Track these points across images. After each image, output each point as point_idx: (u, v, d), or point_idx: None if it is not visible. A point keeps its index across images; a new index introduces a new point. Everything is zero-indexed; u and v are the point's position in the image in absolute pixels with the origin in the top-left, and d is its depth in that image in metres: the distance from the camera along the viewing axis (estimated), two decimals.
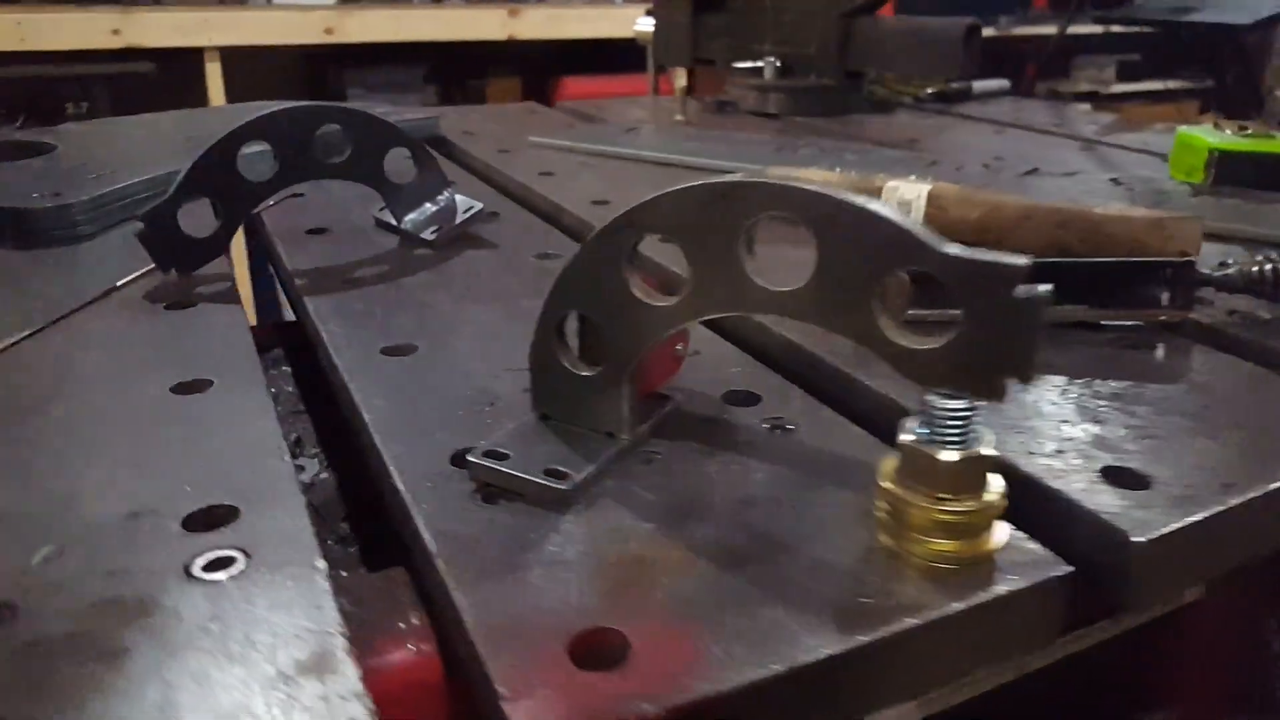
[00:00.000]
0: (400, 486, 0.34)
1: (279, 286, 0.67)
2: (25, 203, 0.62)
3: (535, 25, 2.82)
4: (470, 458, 0.35)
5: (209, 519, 0.32)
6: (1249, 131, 0.75)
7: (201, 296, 0.53)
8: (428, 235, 0.62)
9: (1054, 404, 0.40)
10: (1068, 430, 0.38)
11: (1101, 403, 0.41)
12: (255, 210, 0.66)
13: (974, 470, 0.30)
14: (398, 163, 0.62)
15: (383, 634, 0.30)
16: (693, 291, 0.33)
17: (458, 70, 2.95)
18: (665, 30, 1.23)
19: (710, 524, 0.32)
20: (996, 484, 0.30)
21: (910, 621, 0.28)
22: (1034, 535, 0.32)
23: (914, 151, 0.92)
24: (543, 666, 0.26)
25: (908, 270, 0.29)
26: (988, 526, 0.30)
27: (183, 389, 0.42)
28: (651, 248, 0.40)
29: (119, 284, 0.54)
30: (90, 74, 2.31)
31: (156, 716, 0.24)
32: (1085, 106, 1.31)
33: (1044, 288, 0.27)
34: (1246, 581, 0.53)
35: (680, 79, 1.12)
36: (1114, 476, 0.35)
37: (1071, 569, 0.30)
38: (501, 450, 0.35)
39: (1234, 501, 0.33)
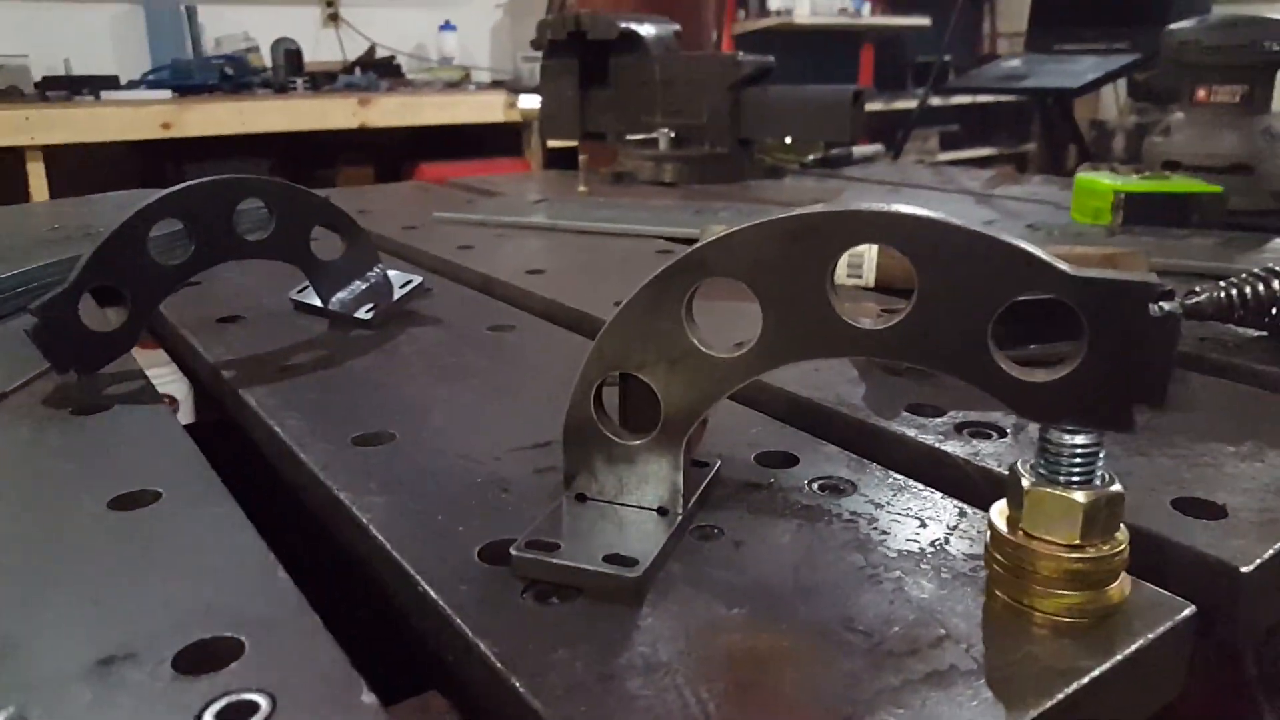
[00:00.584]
0: (431, 592, 0.29)
1: (189, 385, 0.59)
2: None
3: (387, 114, 2.78)
4: (513, 551, 0.30)
5: (207, 657, 0.26)
6: (1146, 174, 0.79)
7: (115, 397, 0.45)
8: (363, 314, 0.56)
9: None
10: (1119, 464, 0.37)
11: (1137, 437, 0.39)
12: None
13: (1106, 511, 0.27)
14: (320, 240, 0.56)
15: None
16: (767, 337, 0.29)
17: (307, 160, 2.86)
18: (552, 105, 1.22)
19: (808, 604, 0.28)
20: (1123, 528, 0.28)
21: (1073, 685, 0.25)
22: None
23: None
24: None
25: (1030, 295, 0.27)
26: (1119, 573, 0.28)
27: (123, 503, 0.35)
28: None
29: (6, 390, 0.45)
30: None
31: None
32: (954, 168, 1.39)
33: (1175, 305, 0.26)
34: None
35: (581, 153, 1.10)
36: (1188, 507, 0.33)
37: (1193, 608, 0.28)
38: (546, 540, 0.30)
39: None
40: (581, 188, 1.05)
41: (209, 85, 2.52)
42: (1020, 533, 0.28)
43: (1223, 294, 0.49)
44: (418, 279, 0.58)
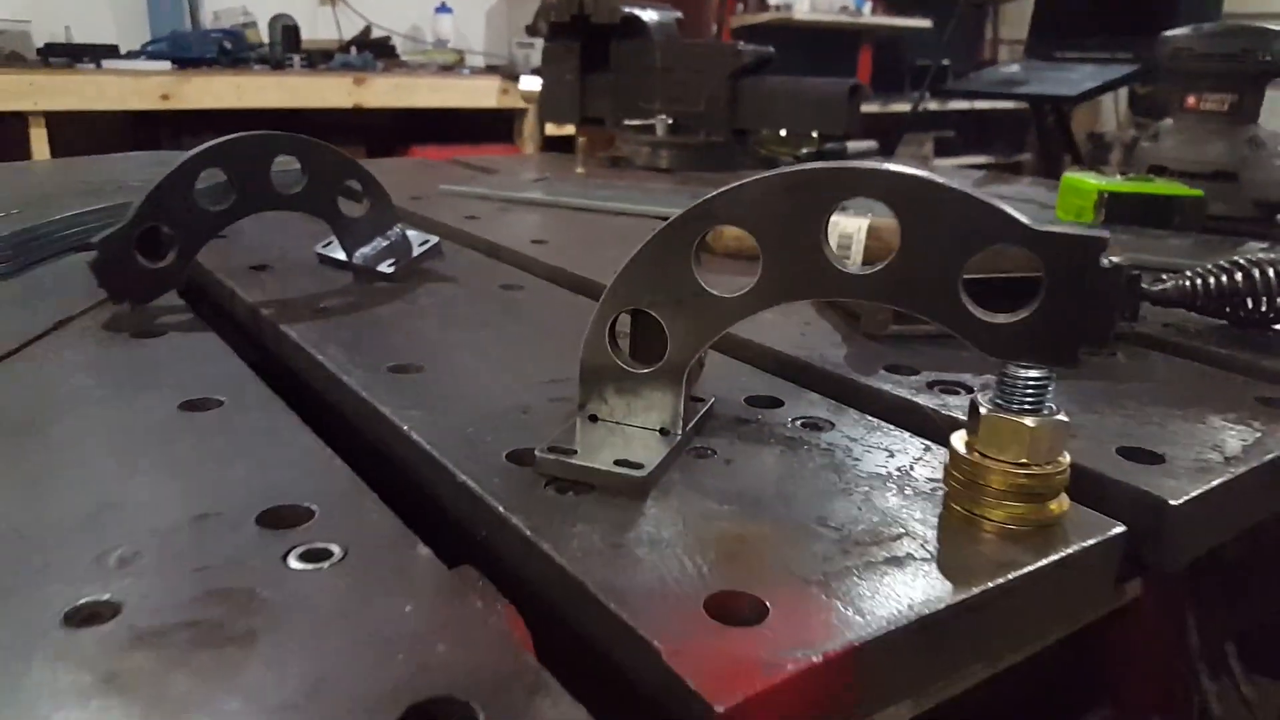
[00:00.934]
0: (469, 482, 0.34)
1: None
2: None
3: (382, 94, 2.81)
4: (538, 453, 0.35)
5: (284, 518, 0.31)
6: (1131, 176, 0.86)
7: (167, 325, 0.50)
8: (385, 268, 0.61)
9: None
10: (1074, 419, 0.42)
11: (1091, 398, 0.45)
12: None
13: (1052, 435, 0.32)
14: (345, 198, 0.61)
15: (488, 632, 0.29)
16: (766, 279, 0.35)
17: None
18: (553, 88, 1.27)
19: (787, 506, 0.34)
20: (1065, 453, 0.34)
21: (1012, 574, 0.30)
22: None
23: None
24: (686, 623, 0.27)
25: (999, 244, 0.32)
26: (1060, 491, 0.33)
27: (191, 407, 0.39)
28: None
29: (72, 315, 0.50)
30: None
31: (312, 689, 0.23)
32: (947, 165, 1.44)
33: (1118, 258, 0.31)
34: (1174, 580, 0.59)
35: (580, 135, 1.15)
36: (1131, 455, 0.39)
37: (1123, 528, 0.34)
38: (565, 446, 0.36)
39: (1240, 470, 0.38)
40: (579, 169, 1.10)
41: (207, 59, 2.54)
42: (976, 453, 0.33)
43: (1186, 283, 0.55)
44: (434, 239, 0.63)
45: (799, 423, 0.41)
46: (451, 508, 0.35)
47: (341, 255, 0.62)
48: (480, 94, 2.95)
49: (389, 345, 0.48)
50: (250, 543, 0.29)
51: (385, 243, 0.63)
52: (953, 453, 0.33)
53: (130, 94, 2.36)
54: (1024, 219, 0.31)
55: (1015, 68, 2.72)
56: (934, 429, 0.42)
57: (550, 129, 1.45)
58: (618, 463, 0.35)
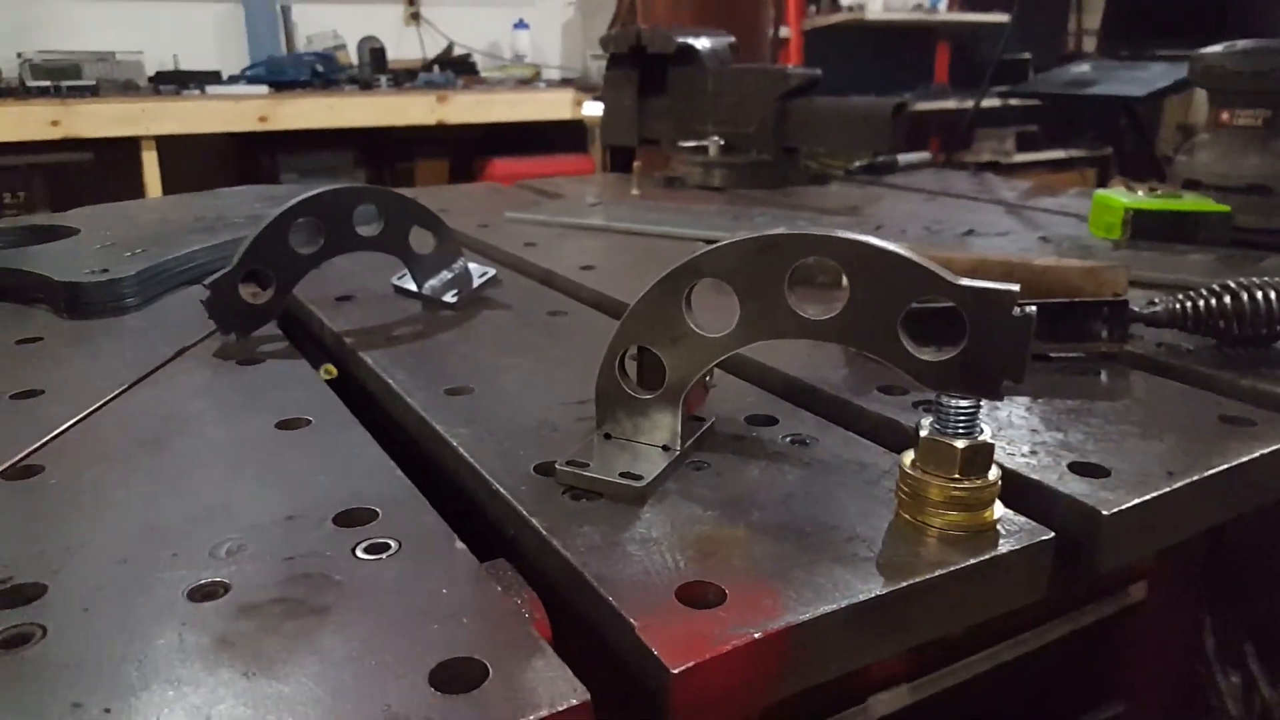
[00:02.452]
0: (503, 491, 0.42)
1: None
2: (79, 278, 0.67)
3: (463, 110, 2.94)
4: (558, 465, 0.43)
5: (354, 518, 0.39)
6: (1158, 192, 0.89)
7: (266, 354, 0.59)
8: (449, 298, 0.70)
9: (1023, 417, 0.50)
10: (1038, 436, 0.48)
11: (1061, 416, 0.51)
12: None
13: (980, 455, 0.38)
14: (416, 236, 0.70)
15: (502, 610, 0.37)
16: (742, 323, 0.42)
17: (387, 153, 3.04)
18: (613, 112, 1.35)
19: (762, 512, 0.41)
20: (995, 469, 0.40)
21: (938, 571, 0.36)
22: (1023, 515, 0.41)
23: (858, 218, 1.04)
24: (660, 607, 0.34)
25: (928, 297, 0.39)
26: (991, 502, 0.39)
27: (286, 426, 0.48)
28: None
29: (189, 345, 0.60)
30: (28, 164, 2.32)
31: (374, 646, 0.31)
32: (994, 176, 1.47)
33: (1031, 308, 0.37)
34: (1185, 583, 0.63)
35: (635, 159, 1.23)
36: (1080, 469, 0.44)
37: (1053, 534, 0.39)
38: (581, 460, 0.43)
39: (1178, 484, 0.43)
40: (634, 191, 1.18)
41: (301, 81, 2.71)
42: (918, 469, 0.39)
43: (1176, 305, 0.60)
44: (492, 271, 0.72)
45: (788, 439, 0.48)
46: (488, 510, 0.43)
47: (413, 286, 0.71)
48: (555, 107, 3.06)
49: (446, 369, 0.57)
50: (327, 538, 0.38)
51: (450, 275, 0.72)
52: (901, 469, 0.40)
53: (230, 117, 2.54)
54: (947, 275, 0.37)
55: (1085, 67, 2.69)
56: (911, 444, 0.49)
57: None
58: (623, 474, 0.42)
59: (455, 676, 0.30)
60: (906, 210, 1.11)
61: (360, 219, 0.67)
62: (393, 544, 0.37)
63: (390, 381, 0.55)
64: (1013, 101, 3.61)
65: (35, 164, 2.32)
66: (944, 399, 0.39)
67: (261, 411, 0.50)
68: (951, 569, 0.37)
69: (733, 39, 1.36)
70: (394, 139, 3.00)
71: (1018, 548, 0.38)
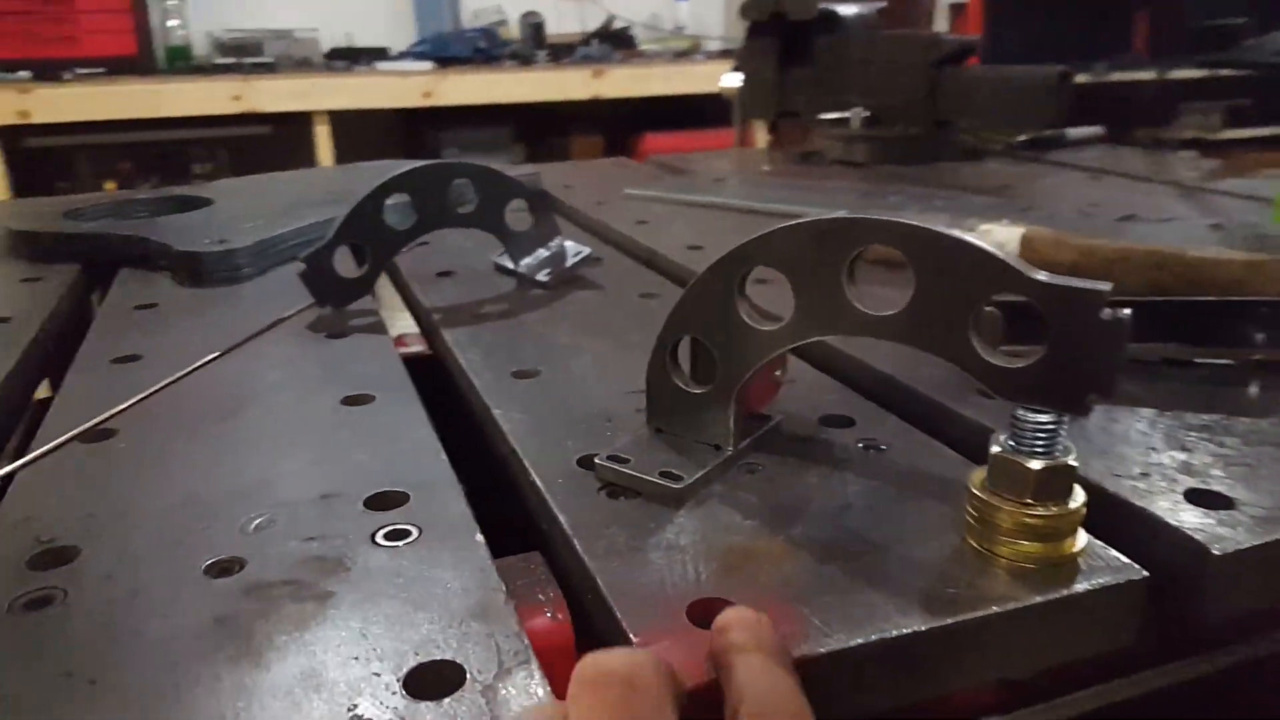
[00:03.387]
0: (539, 483, 0.41)
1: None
2: (198, 248, 0.71)
3: (619, 84, 2.94)
4: (597, 460, 0.41)
5: (385, 501, 0.39)
6: None
7: (355, 328, 0.60)
8: (542, 277, 0.69)
9: (1143, 433, 0.44)
10: (1155, 456, 0.42)
11: (1190, 433, 0.44)
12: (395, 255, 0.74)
13: (1059, 479, 0.34)
14: (514, 213, 0.69)
15: (525, 603, 0.35)
16: (797, 316, 0.38)
17: (544, 129, 3.09)
18: (752, 85, 1.30)
19: (809, 524, 0.37)
20: (1078, 494, 0.35)
21: (992, 609, 0.32)
22: (1120, 548, 0.36)
23: (1005, 198, 0.96)
24: (666, 623, 0.31)
25: (1002, 297, 0.34)
26: (1070, 532, 0.34)
27: (350, 401, 0.49)
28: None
29: (285, 316, 0.62)
30: (213, 137, 2.50)
31: (360, 640, 0.30)
32: (1190, 153, 1.33)
33: (1125, 312, 0.32)
34: None
35: (763, 132, 1.18)
36: (1198, 498, 0.38)
37: (1146, 574, 0.34)
38: (623, 455, 0.41)
39: None
40: (765, 167, 1.14)
41: (464, 57, 2.78)
42: (987, 490, 0.35)
43: None
44: (587, 250, 0.70)
45: (860, 444, 0.44)
46: (529, 500, 0.42)
47: (511, 264, 0.71)
48: (711, 79, 2.99)
49: (520, 351, 0.56)
50: (354, 520, 0.37)
51: (546, 253, 0.71)
52: (969, 489, 0.35)
53: (396, 93, 2.64)
54: (1028, 270, 0.33)
55: None
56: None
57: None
58: (662, 473, 0.40)
59: (431, 681, 0.29)
60: (1064, 190, 1.01)
61: (458, 195, 0.67)
62: (414, 531, 0.37)
63: (462, 360, 0.54)
64: (1222, 72, 3.26)
65: (220, 137, 2.50)
66: (1020, 412, 0.34)
67: (332, 386, 0.50)
68: (1011, 607, 0.32)
69: (884, 3, 1.28)
70: (551, 114, 3.04)
71: (1097, 586, 0.33)
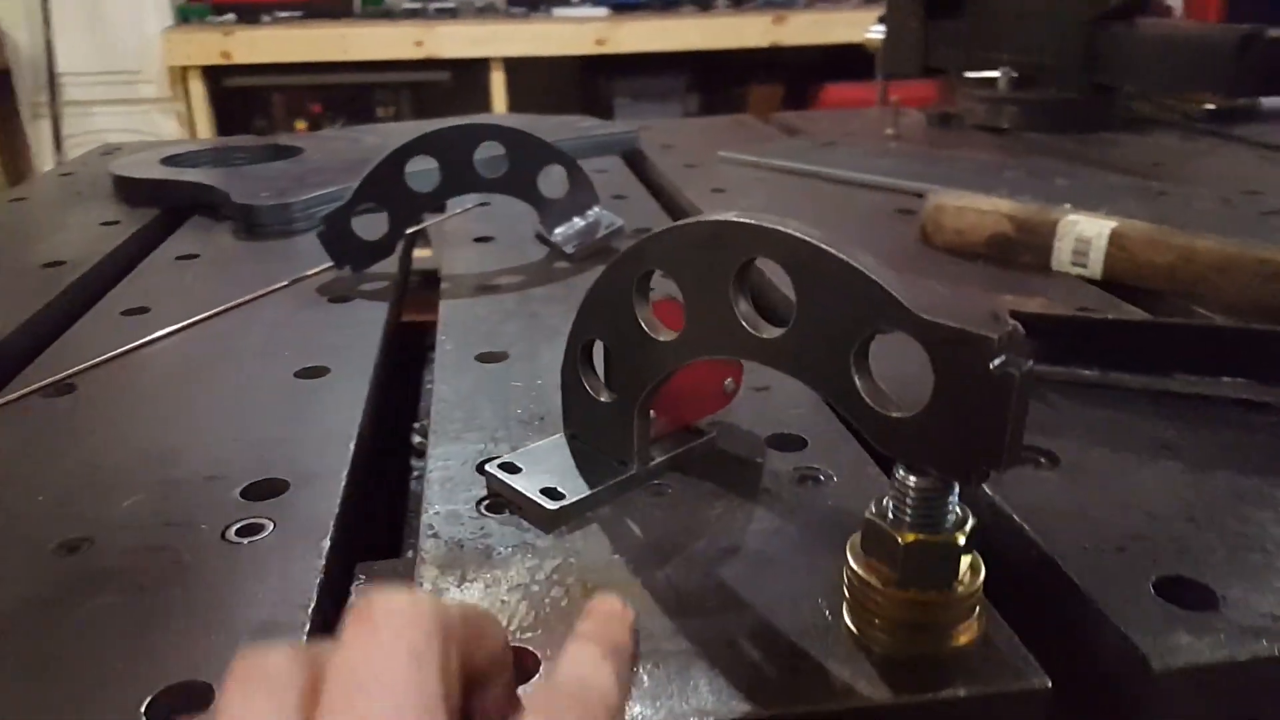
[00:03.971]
0: (429, 482, 0.38)
1: None
2: (254, 200, 0.73)
3: (799, 31, 2.81)
4: (487, 468, 0.38)
5: (263, 490, 0.37)
6: None
7: (361, 293, 0.60)
8: (569, 249, 0.65)
9: (1152, 491, 0.36)
10: (1146, 525, 0.34)
11: (1216, 499, 0.36)
12: (438, 219, 0.73)
13: (938, 558, 0.27)
14: (551, 179, 0.66)
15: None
16: (689, 329, 0.33)
17: (720, 77, 3.00)
18: (895, 38, 1.19)
19: (680, 568, 0.33)
20: (971, 578, 0.28)
21: (824, 705, 0.27)
22: (1060, 640, 0.30)
23: (1145, 179, 0.82)
24: None
25: (885, 328, 0.28)
26: (956, 623, 0.28)
27: (305, 374, 0.48)
28: None
29: (303, 276, 0.62)
30: (396, 82, 2.61)
31: (126, 653, 0.29)
32: None
33: (1026, 365, 0.25)
34: None
35: (890, 94, 1.08)
36: (1171, 589, 0.31)
37: (1048, 684, 0.27)
38: (516, 464, 0.38)
39: None
40: (889, 130, 1.04)
41: (640, 3, 2.74)
42: (862, 560, 0.29)
43: None
44: (619, 222, 0.66)
45: (797, 472, 0.38)
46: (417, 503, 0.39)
47: (546, 233, 0.68)
48: None
49: (504, 330, 0.53)
50: (220, 508, 0.36)
51: (582, 223, 0.67)
52: (848, 555, 0.29)
53: (570, 39, 2.64)
54: (911, 302, 0.26)
55: None
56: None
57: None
58: (544, 490, 0.36)
59: (177, 702, 0.27)
60: (1225, 173, 0.86)
61: (488, 158, 0.64)
62: (268, 526, 0.35)
63: (443, 338, 0.52)
64: None
65: (402, 82, 2.60)
66: (900, 471, 0.28)
67: (298, 355, 0.50)
68: (848, 705, 0.27)
69: None
70: (728, 63, 2.95)
71: (973, 694, 0.27)
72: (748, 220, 0.30)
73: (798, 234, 0.29)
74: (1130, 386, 0.43)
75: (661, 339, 0.34)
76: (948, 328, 0.25)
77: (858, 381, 0.28)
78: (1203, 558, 0.32)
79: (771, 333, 0.31)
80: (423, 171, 0.63)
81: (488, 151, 0.64)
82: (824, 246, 0.28)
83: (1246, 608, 0.29)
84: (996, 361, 0.25)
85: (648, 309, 0.35)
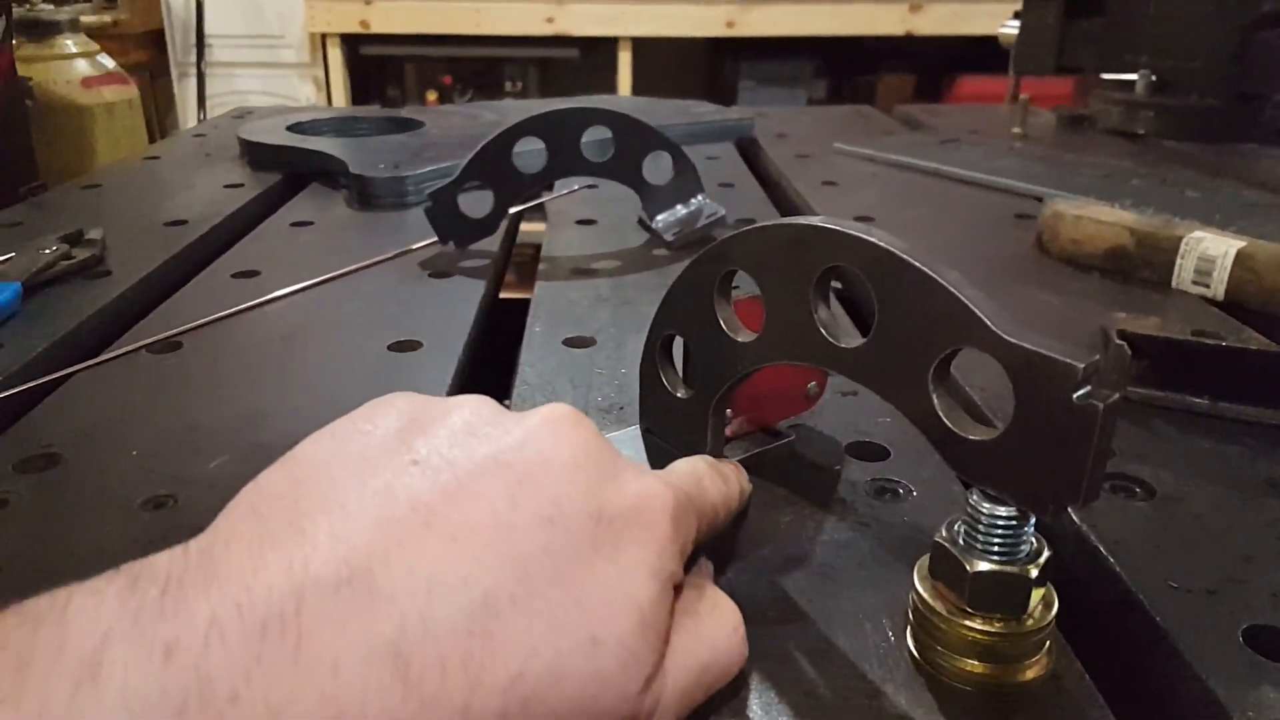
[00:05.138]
0: None
1: None
2: (370, 171, 0.75)
3: (936, 21, 2.71)
4: None
5: None
6: None
7: (461, 270, 0.61)
8: (668, 237, 0.65)
9: (1253, 533, 0.34)
10: (1242, 569, 0.32)
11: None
12: (543, 200, 0.74)
13: (1010, 589, 0.26)
14: (657, 166, 0.65)
15: None
16: (768, 333, 0.32)
17: (850, 65, 2.93)
18: (1031, 34, 1.13)
19: (741, 573, 0.32)
20: (1046, 610, 0.27)
21: None
22: (1139, 684, 0.28)
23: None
24: None
25: (966, 347, 0.27)
26: (1030, 653, 0.27)
27: (397, 346, 0.49)
28: None
29: (409, 249, 0.64)
30: (526, 57, 2.64)
31: None
32: None
33: (1114, 397, 0.24)
34: None
35: (1020, 91, 1.03)
36: (1262, 640, 0.29)
37: None
38: None
39: None
40: (1015, 129, 0.99)
41: None
42: (929, 583, 0.28)
43: None
44: (721, 212, 0.65)
45: (877, 484, 0.37)
46: None
47: (649, 219, 0.68)
48: None
49: (591, 315, 0.53)
50: None
51: (684, 210, 0.67)
52: (914, 580, 0.28)
53: (700, 21, 2.62)
54: (995, 322, 0.25)
55: None
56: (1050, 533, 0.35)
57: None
58: None
59: None
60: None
61: (596, 141, 0.64)
62: None
63: (532, 321, 0.53)
64: None
65: (532, 58, 2.64)
66: (974, 497, 0.27)
67: (394, 328, 0.51)
68: None
69: None
70: (860, 50, 2.88)
71: None
72: (831, 225, 0.29)
73: (881, 243, 0.28)
74: (1242, 419, 0.40)
75: (740, 339, 0.34)
76: (1030, 352, 0.24)
77: (935, 400, 0.27)
78: None
79: (850, 342, 0.30)
80: (530, 152, 0.64)
81: (595, 135, 0.64)
82: (907, 258, 0.27)
83: None
84: (1081, 391, 0.23)
85: (728, 308, 0.34)
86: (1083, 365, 0.23)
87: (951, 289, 0.26)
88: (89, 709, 0.17)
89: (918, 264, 0.27)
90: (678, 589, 0.26)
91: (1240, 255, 0.52)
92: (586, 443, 0.26)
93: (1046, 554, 0.26)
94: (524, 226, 0.81)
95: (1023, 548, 0.26)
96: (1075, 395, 0.23)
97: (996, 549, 0.26)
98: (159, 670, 0.17)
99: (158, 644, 0.18)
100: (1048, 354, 0.24)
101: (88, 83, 1.05)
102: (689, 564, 0.28)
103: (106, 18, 2.27)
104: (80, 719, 0.17)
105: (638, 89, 2.63)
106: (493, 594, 0.21)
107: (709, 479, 0.31)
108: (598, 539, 0.23)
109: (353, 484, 0.23)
